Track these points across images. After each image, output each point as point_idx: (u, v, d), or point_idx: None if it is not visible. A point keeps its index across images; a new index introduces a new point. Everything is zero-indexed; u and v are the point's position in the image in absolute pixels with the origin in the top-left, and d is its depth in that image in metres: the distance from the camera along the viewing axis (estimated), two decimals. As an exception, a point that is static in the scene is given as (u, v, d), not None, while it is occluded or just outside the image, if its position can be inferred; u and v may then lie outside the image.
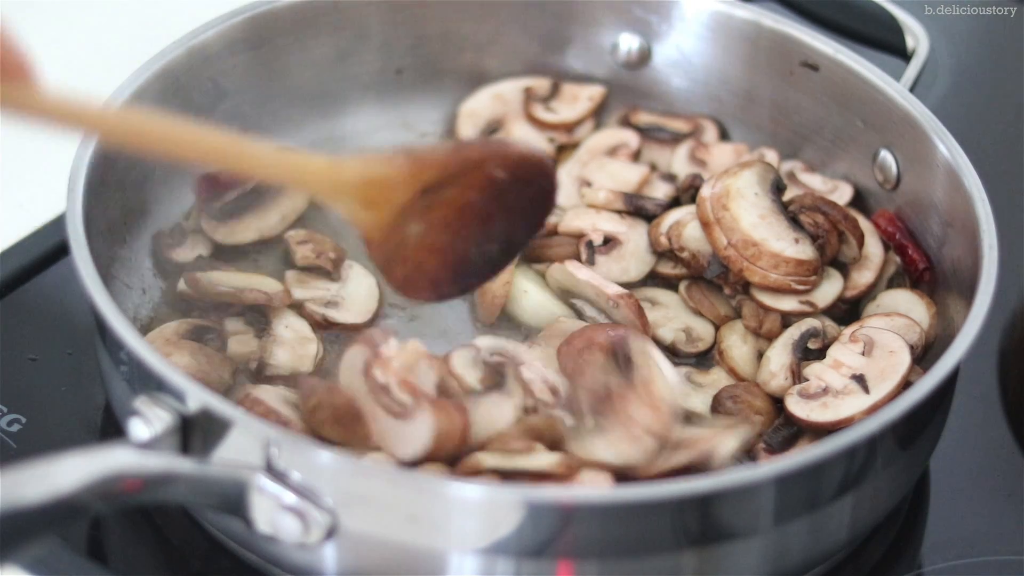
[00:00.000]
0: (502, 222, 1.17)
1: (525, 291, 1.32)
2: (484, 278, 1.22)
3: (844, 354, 1.24)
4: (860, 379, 1.22)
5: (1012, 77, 1.67)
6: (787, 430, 1.22)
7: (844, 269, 1.33)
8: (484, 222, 1.16)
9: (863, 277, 1.33)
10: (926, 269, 1.31)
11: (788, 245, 1.28)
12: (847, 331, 1.27)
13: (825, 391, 1.22)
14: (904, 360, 1.22)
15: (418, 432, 1.11)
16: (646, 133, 1.46)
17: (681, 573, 1.08)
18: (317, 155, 1.14)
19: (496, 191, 1.15)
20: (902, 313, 1.28)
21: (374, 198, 1.12)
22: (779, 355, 1.27)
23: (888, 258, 1.34)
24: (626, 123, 1.47)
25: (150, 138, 1.06)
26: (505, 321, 1.32)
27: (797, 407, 1.23)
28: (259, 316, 1.28)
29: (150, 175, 1.33)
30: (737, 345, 1.29)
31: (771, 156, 1.41)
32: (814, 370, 1.25)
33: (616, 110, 1.49)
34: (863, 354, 1.24)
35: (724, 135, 1.47)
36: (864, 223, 1.35)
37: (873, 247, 1.34)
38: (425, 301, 1.21)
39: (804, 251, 1.29)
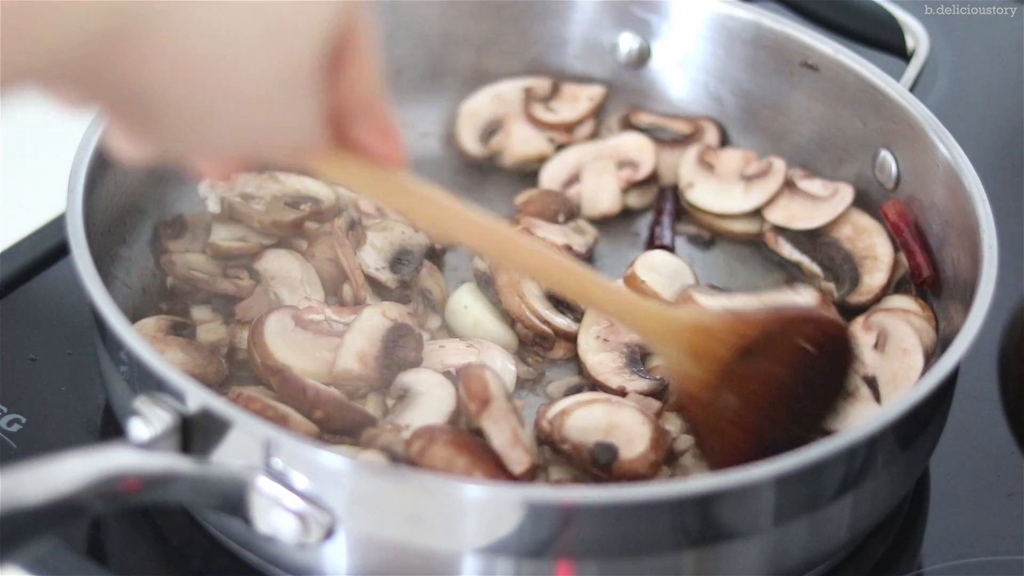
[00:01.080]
0: (806, 401, 1.15)
1: (465, 306, 1.32)
2: (778, 452, 1.09)
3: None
4: (871, 383, 1.22)
5: (1012, 77, 1.67)
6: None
7: (854, 273, 1.33)
8: (790, 401, 1.14)
9: (875, 280, 1.32)
10: (929, 276, 1.31)
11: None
12: (861, 317, 1.26)
13: None
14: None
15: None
16: (647, 134, 1.46)
17: (681, 573, 1.08)
18: (649, 299, 1.19)
19: (806, 366, 1.14)
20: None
21: (701, 348, 1.12)
22: None
23: (898, 258, 1.33)
24: (627, 124, 1.47)
25: (505, 251, 1.09)
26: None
27: None
28: (225, 302, 1.28)
29: (150, 175, 1.33)
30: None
31: (779, 164, 1.40)
32: None
33: (616, 110, 1.49)
34: (876, 347, 1.23)
35: (724, 136, 1.47)
36: (869, 221, 1.35)
37: (882, 246, 1.34)
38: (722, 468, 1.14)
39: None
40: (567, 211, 1.40)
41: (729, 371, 1.12)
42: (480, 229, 1.07)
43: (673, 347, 1.13)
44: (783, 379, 1.13)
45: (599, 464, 1.16)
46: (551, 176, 1.44)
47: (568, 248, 1.33)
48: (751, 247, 1.42)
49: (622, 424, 1.18)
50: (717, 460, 1.16)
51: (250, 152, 0.94)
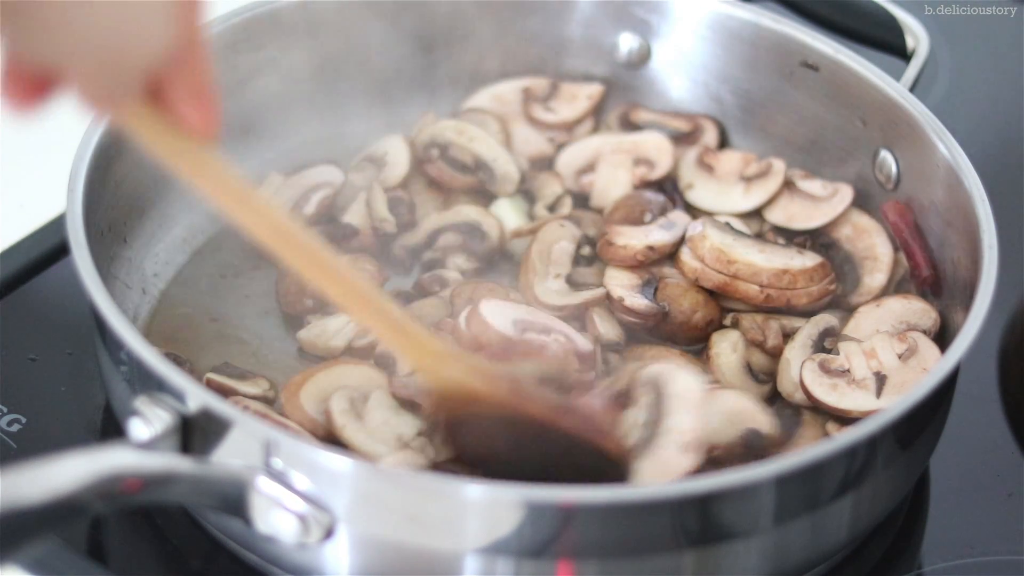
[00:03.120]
0: (544, 462, 1.13)
1: None
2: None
3: (884, 347, 1.24)
4: (880, 379, 1.22)
5: (1012, 77, 1.67)
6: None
7: (854, 273, 1.33)
8: (529, 453, 1.13)
9: (875, 280, 1.32)
10: (929, 276, 1.31)
11: (800, 259, 1.30)
12: (890, 324, 1.27)
13: (844, 373, 1.22)
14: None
15: None
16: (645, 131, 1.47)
17: (681, 573, 1.08)
18: (430, 333, 1.14)
19: (558, 446, 1.13)
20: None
21: (455, 401, 1.13)
22: (799, 355, 1.26)
23: (898, 259, 1.34)
24: (626, 121, 1.47)
25: (289, 246, 1.06)
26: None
27: (809, 374, 1.23)
28: None
29: (150, 175, 1.33)
30: (726, 353, 1.29)
31: (779, 165, 1.40)
32: (847, 348, 1.24)
33: (616, 110, 1.49)
34: (900, 357, 1.23)
35: (723, 135, 1.47)
36: (869, 221, 1.35)
37: (882, 246, 1.34)
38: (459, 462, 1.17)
39: (812, 257, 1.31)
40: (654, 208, 1.40)
41: (474, 413, 1.13)
42: (269, 223, 1.05)
43: (433, 378, 1.13)
44: (524, 440, 1.13)
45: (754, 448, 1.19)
46: (567, 162, 1.44)
47: (650, 248, 1.33)
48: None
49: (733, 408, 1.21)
50: (448, 446, 1.16)
51: (84, 63, 0.92)
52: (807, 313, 1.30)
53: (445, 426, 1.16)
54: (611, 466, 1.12)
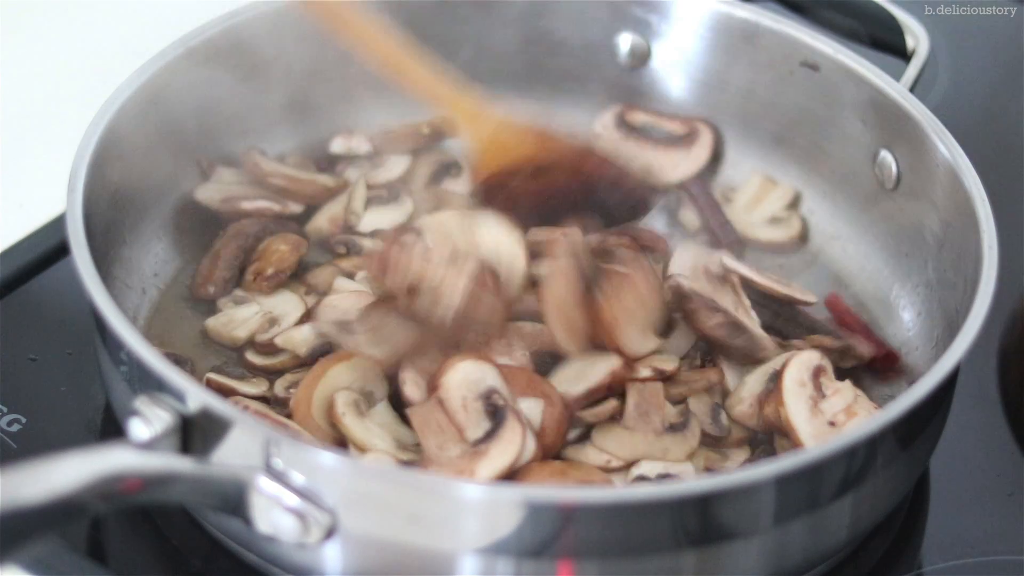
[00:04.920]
0: (573, 208, 1.30)
1: None
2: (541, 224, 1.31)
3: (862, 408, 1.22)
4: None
5: (1012, 77, 1.67)
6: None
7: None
8: (559, 202, 1.31)
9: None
10: (885, 353, 1.30)
11: None
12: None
13: (831, 424, 1.20)
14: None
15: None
16: (640, 132, 1.46)
17: (681, 573, 1.08)
18: (471, 96, 1.33)
19: (584, 191, 1.32)
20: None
21: (496, 145, 1.32)
22: (754, 383, 1.25)
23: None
24: (621, 122, 1.47)
25: (349, 28, 1.30)
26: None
27: (799, 405, 1.20)
28: None
29: (150, 175, 1.33)
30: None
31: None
32: (844, 398, 1.22)
33: (614, 109, 1.49)
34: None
35: (719, 138, 1.47)
36: None
37: None
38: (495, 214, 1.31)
39: None
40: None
41: (514, 168, 1.31)
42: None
43: (477, 137, 1.32)
44: (558, 188, 1.31)
45: None
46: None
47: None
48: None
49: None
50: (491, 201, 1.31)
51: None
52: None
53: (485, 189, 1.32)
54: (633, 204, 1.35)
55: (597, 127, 1.48)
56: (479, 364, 1.18)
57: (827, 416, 1.20)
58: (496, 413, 1.15)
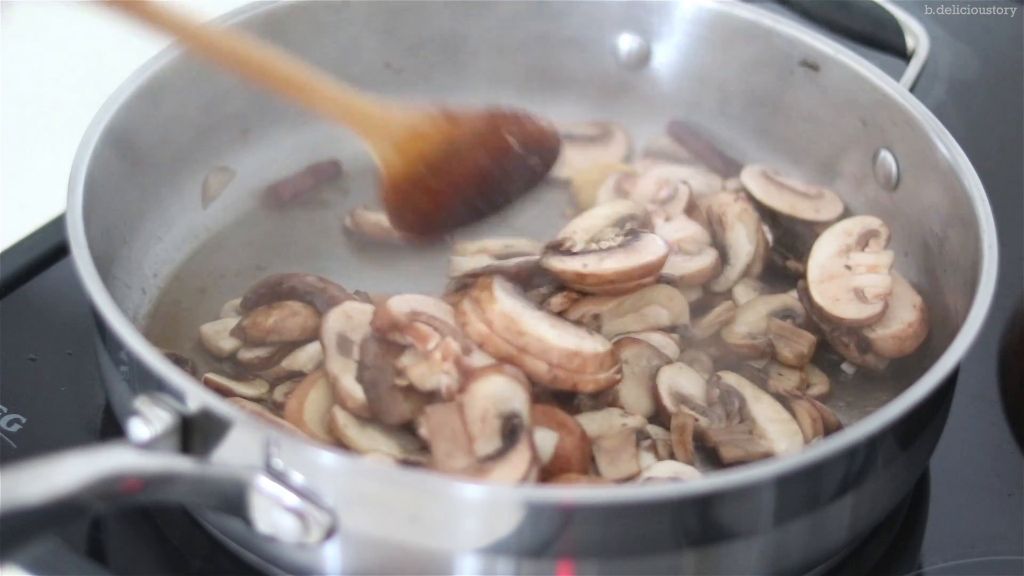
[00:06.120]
0: (503, 182, 1.26)
1: None
2: (468, 225, 1.27)
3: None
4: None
5: (1012, 77, 1.68)
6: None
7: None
8: (488, 181, 1.25)
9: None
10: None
11: (591, 342, 1.21)
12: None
13: (847, 268, 1.28)
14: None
15: None
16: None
17: (681, 573, 1.08)
18: (369, 97, 1.23)
19: (509, 158, 1.25)
20: None
21: (407, 146, 1.23)
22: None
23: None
24: None
25: (230, 56, 1.18)
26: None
27: (829, 241, 1.30)
28: None
29: (150, 175, 1.33)
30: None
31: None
32: (878, 259, 1.30)
33: (615, 110, 1.49)
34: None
35: (629, 141, 1.49)
36: None
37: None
38: (417, 244, 1.29)
39: (602, 342, 1.22)
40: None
41: (433, 162, 1.23)
42: (198, 32, 1.16)
43: (381, 142, 1.23)
44: (483, 163, 1.24)
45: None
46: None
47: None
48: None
49: None
50: (409, 230, 1.27)
51: None
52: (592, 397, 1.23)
53: (395, 205, 1.25)
54: (549, 151, 1.27)
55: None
56: (512, 384, 1.15)
57: (850, 262, 1.27)
58: (511, 434, 1.13)
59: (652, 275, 1.26)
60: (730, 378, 1.26)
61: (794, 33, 1.41)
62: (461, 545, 1.05)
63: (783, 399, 1.24)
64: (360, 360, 1.19)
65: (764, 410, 1.23)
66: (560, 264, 1.25)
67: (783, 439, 1.21)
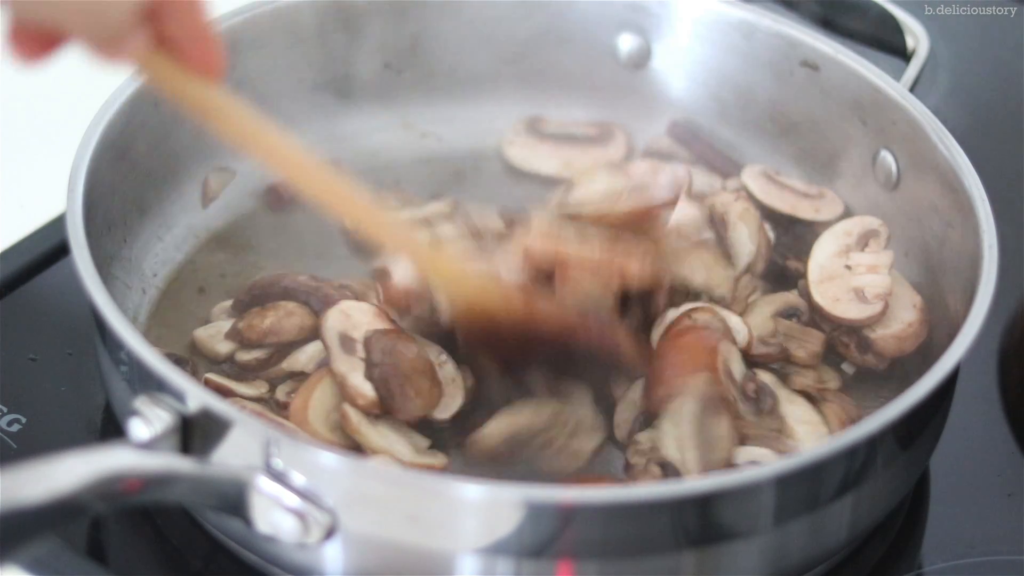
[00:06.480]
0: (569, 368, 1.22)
1: None
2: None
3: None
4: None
5: (1012, 77, 1.67)
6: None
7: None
8: (550, 362, 1.21)
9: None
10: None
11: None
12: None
13: (847, 268, 1.28)
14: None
15: None
16: (552, 136, 1.48)
17: (681, 573, 1.08)
18: (448, 253, 1.24)
19: (573, 355, 1.21)
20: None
21: (473, 312, 1.20)
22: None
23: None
24: (532, 129, 1.48)
25: (304, 179, 1.12)
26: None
27: (829, 241, 1.30)
28: None
29: (151, 175, 1.33)
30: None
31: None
32: (878, 259, 1.29)
33: (615, 110, 1.49)
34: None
35: (629, 144, 1.48)
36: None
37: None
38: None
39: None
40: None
41: (495, 329, 1.19)
42: (285, 157, 1.11)
43: (458, 298, 1.20)
44: (546, 348, 1.20)
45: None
46: None
47: None
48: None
49: None
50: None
51: (77, 18, 0.96)
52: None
53: (466, 341, 1.22)
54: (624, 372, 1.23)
55: (508, 135, 1.48)
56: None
57: (849, 262, 1.27)
58: None
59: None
60: (765, 376, 1.26)
61: (794, 33, 1.41)
62: (461, 545, 1.05)
63: (814, 399, 1.24)
64: (367, 357, 1.19)
65: (795, 411, 1.23)
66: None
67: (810, 442, 1.21)
